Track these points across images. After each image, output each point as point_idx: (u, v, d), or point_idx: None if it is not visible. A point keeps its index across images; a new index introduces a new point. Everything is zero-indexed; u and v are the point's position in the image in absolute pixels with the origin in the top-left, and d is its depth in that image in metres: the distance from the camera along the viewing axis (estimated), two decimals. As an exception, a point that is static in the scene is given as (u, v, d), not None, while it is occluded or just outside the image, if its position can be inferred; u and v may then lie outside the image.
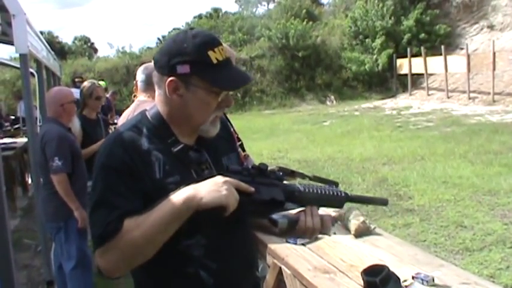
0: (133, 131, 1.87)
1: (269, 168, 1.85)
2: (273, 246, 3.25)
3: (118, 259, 1.73)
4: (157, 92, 1.91)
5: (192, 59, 1.79)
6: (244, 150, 3.27)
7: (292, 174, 2.65)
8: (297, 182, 1.91)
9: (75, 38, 45.80)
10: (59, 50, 36.05)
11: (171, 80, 1.81)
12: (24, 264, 6.44)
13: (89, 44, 45.88)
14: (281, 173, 1.88)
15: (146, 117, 1.93)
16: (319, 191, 1.90)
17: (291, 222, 1.87)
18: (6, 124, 14.27)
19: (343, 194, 1.94)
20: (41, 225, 5.30)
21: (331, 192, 1.92)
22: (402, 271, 2.66)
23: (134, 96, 4.27)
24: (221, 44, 1.85)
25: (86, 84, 6.26)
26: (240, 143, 3.26)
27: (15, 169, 9.98)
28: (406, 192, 8.66)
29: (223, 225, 1.78)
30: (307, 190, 1.88)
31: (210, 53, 1.79)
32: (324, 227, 1.89)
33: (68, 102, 4.80)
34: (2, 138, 11.63)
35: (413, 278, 2.60)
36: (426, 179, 9.37)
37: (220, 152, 2.01)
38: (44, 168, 4.68)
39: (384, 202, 2.11)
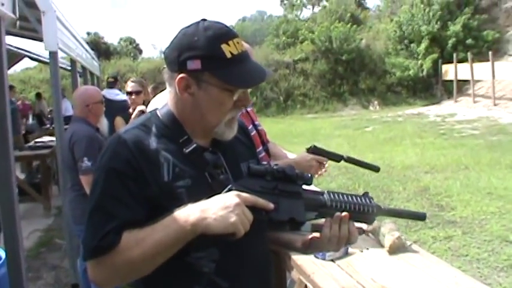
0: (141, 129, 1.71)
1: (297, 172, 1.65)
2: (299, 260, 3.04)
3: (112, 275, 1.60)
4: (168, 89, 1.75)
5: (203, 53, 1.62)
6: (269, 155, 3.06)
7: (327, 154, 2.43)
8: (326, 192, 1.70)
9: (121, 39, 46.50)
10: (104, 51, 36.63)
11: (181, 77, 1.65)
12: (53, 265, 6.40)
13: (134, 45, 46.45)
14: (309, 175, 1.68)
15: (157, 115, 1.78)
16: (347, 206, 1.69)
17: (315, 226, 1.69)
18: (47, 122, 14.41)
19: (374, 207, 1.73)
20: (68, 227, 5.20)
21: (361, 208, 1.71)
22: (439, 296, 2.43)
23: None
24: (237, 36, 1.67)
25: None
26: (265, 147, 3.06)
27: (51, 167, 10.00)
28: (449, 202, 8.33)
29: (236, 241, 1.57)
30: (334, 205, 1.68)
31: (224, 46, 1.62)
32: (350, 237, 1.69)
33: (94, 103, 4.64)
34: (41, 136, 11.72)
35: (451, 304, 2.36)
36: (470, 189, 9.02)
37: (239, 157, 1.84)
38: (72, 169, 4.52)
39: (421, 217, 1.88)
